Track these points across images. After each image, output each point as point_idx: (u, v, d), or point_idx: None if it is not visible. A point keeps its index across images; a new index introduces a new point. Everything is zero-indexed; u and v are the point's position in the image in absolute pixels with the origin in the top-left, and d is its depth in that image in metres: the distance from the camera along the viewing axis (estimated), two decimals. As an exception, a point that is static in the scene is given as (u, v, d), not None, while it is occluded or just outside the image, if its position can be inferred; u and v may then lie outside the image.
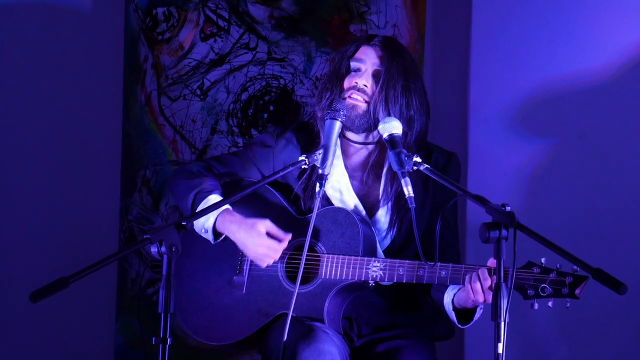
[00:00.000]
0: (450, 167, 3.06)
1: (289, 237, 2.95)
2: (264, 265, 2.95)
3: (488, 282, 2.69)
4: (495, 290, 2.39)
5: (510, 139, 3.95)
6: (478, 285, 2.70)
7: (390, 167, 2.98)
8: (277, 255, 2.93)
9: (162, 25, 4.18)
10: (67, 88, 4.17)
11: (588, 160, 3.86)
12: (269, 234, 2.94)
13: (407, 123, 2.93)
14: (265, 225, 2.93)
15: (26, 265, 4.08)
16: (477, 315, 2.84)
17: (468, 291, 2.73)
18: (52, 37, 4.17)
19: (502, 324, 2.37)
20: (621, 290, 2.27)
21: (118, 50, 4.17)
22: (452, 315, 2.88)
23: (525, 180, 3.93)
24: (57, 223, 4.14)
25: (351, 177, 3.05)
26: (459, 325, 2.89)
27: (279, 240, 2.93)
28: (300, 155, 2.89)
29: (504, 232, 2.38)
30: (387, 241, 3.02)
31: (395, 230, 3.01)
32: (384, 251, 3.00)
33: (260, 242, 2.92)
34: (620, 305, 3.59)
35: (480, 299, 2.71)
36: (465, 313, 2.86)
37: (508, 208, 2.41)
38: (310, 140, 3.06)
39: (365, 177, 3.04)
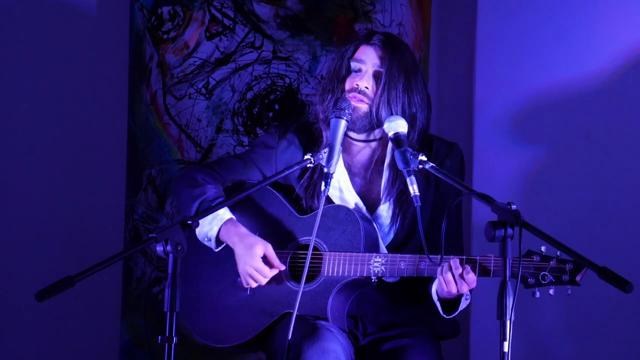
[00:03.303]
0: (452, 157, 3.04)
1: (282, 268, 2.96)
2: (245, 285, 2.97)
3: (459, 271, 2.69)
4: (501, 289, 2.38)
5: (515, 138, 3.95)
6: (449, 275, 2.71)
7: (391, 163, 2.99)
8: (263, 281, 2.95)
9: (168, 24, 4.18)
10: (72, 87, 4.17)
11: (593, 159, 3.86)
12: (265, 258, 2.95)
13: (409, 121, 2.92)
14: (264, 248, 2.94)
15: (32, 264, 4.08)
16: (462, 306, 2.84)
17: (441, 282, 2.74)
18: (57, 37, 4.17)
19: (508, 322, 2.37)
20: (627, 289, 2.27)
21: (123, 50, 4.17)
22: (438, 306, 2.88)
23: (530, 179, 3.93)
24: (62, 222, 4.14)
25: (351, 175, 3.05)
26: (444, 316, 2.88)
27: (272, 266, 2.95)
28: (302, 156, 2.89)
29: (509, 230, 2.39)
30: (390, 236, 3.01)
31: (398, 224, 3.00)
32: (387, 246, 3.00)
33: (252, 263, 2.93)
34: (626, 303, 3.58)
35: (453, 289, 2.72)
36: (451, 303, 2.86)
37: (514, 206, 2.41)
38: (312, 140, 3.06)
39: (367, 175, 3.03)
